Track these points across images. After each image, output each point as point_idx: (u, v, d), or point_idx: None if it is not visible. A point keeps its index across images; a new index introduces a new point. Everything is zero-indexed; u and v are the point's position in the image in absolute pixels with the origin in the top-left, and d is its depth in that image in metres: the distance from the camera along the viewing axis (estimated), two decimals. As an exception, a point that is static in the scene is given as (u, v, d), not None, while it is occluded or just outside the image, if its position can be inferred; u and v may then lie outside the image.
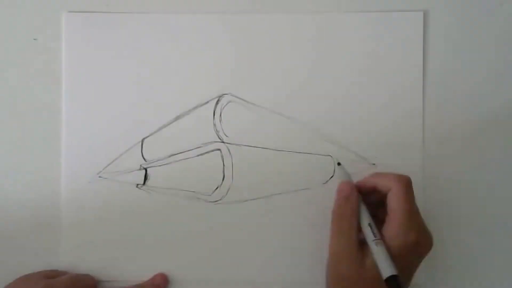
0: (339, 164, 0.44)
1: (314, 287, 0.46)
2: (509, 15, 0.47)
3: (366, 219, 0.42)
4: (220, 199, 0.46)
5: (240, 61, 0.47)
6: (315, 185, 0.46)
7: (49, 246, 0.46)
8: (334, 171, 0.46)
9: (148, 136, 0.46)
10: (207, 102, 0.46)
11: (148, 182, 0.46)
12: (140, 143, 0.46)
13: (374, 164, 0.46)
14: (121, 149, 0.46)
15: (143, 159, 0.46)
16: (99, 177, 0.46)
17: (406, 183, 0.41)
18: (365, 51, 0.47)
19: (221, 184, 0.46)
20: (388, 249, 0.40)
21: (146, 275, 0.46)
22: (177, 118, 0.46)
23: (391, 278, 0.38)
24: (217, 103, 0.46)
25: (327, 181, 0.46)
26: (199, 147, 0.46)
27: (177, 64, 0.47)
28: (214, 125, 0.46)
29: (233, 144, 0.46)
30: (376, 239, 0.40)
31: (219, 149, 0.46)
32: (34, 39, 0.46)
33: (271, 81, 0.47)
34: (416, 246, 0.40)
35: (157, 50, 0.47)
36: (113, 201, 0.46)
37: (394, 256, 0.39)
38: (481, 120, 0.47)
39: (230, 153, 0.46)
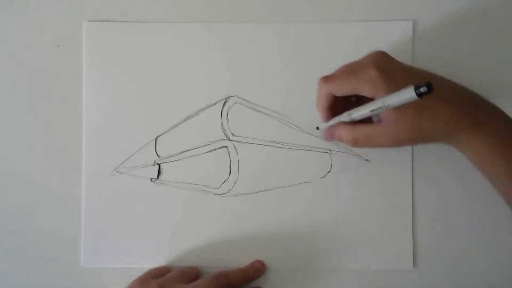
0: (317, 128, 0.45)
1: (298, 267, 0.47)
2: (491, 23, 0.47)
3: (365, 109, 0.39)
4: (227, 192, 0.47)
5: (244, 66, 0.47)
6: (314, 179, 0.47)
7: (71, 234, 0.47)
8: (331, 166, 0.47)
9: (161, 134, 0.47)
10: (215, 104, 0.47)
11: (161, 177, 0.47)
12: (154, 141, 0.47)
13: (367, 160, 0.47)
14: (137, 146, 0.47)
15: (156, 156, 0.47)
16: (117, 172, 0.47)
17: (374, 81, 0.38)
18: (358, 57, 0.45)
19: (228, 178, 0.47)
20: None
21: (159, 262, 0.47)
22: (188, 118, 0.47)
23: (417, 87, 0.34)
24: (224, 104, 0.47)
25: (325, 175, 0.47)
26: (208, 144, 0.47)
27: (188, 68, 0.48)
28: (222, 124, 0.47)
29: (239, 141, 0.47)
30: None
31: (226, 146, 0.47)
32: (57, 45, 0.48)
33: (273, 84, 0.47)
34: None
35: (169, 56, 0.47)
36: (129, 193, 0.47)
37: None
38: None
39: (236, 150, 0.47)
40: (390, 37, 0.47)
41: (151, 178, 0.47)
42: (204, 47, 0.48)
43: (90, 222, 0.47)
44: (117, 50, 0.48)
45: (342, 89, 0.41)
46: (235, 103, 0.48)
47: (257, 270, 0.46)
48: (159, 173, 0.47)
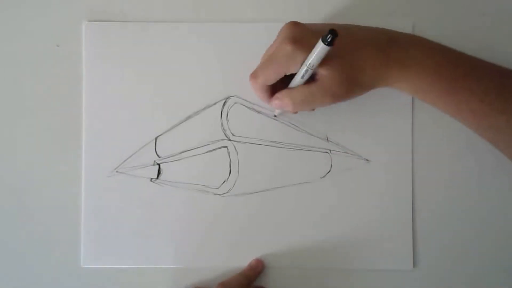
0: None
1: (298, 267, 0.47)
2: (490, 23, 0.48)
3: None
4: (227, 192, 0.47)
5: (245, 66, 0.46)
6: (314, 179, 0.47)
7: (71, 234, 0.47)
8: (331, 166, 0.47)
9: (161, 134, 0.47)
10: (215, 104, 0.47)
11: (161, 177, 0.47)
12: (154, 141, 0.47)
13: (367, 160, 0.47)
14: (137, 146, 0.47)
15: (156, 156, 0.47)
16: (117, 171, 0.47)
17: (291, 56, 0.39)
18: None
19: (228, 178, 0.47)
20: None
21: (159, 262, 0.47)
22: (188, 118, 0.47)
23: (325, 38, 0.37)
24: (224, 104, 0.47)
25: (325, 175, 0.47)
26: (208, 144, 0.47)
27: (188, 68, 0.47)
28: (221, 124, 0.47)
29: (239, 141, 0.47)
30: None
31: (226, 146, 0.47)
32: (57, 45, 0.47)
33: (273, 84, 0.47)
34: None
35: (169, 55, 0.47)
36: (129, 193, 0.47)
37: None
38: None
39: (236, 150, 0.47)
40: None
41: (151, 178, 0.47)
42: (204, 47, 0.47)
43: (90, 222, 0.47)
44: (117, 50, 0.47)
45: (272, 78, 0.41)
46: (235, 103, 0.47)
47: (256, 269, 0.46)
48: (159, 173, 0.47)
